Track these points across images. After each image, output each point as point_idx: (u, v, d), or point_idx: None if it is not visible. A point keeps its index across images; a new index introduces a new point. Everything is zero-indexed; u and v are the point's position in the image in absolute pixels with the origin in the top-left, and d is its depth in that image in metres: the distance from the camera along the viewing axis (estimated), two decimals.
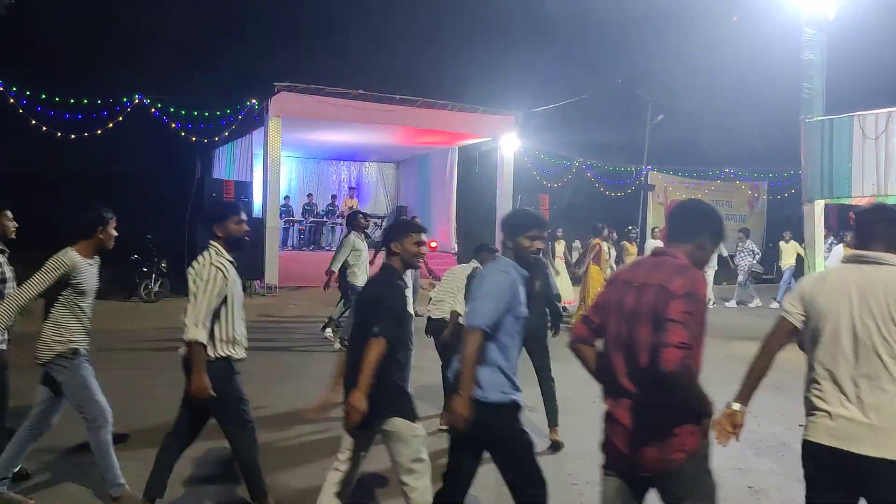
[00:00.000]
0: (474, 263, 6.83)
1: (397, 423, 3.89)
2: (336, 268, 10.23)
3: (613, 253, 14.52)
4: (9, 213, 5.10)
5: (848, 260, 3.19)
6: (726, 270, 17.72)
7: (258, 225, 16.54)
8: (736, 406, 3.20)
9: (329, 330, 11.03)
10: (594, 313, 3.23)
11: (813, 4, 12.14)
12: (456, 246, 21.17)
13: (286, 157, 20.46)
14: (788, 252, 17.27)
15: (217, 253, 4.32)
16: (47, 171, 18.91)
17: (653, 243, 15.81)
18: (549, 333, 6.58)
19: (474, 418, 3.45)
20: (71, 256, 4.51)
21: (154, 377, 8.07)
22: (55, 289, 4.50)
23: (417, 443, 3.91)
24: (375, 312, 3.86)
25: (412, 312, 4.18)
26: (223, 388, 4.26)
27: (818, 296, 3.14)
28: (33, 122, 15.06)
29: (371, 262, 10.55)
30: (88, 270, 4.62)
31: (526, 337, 5.41)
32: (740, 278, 17.27)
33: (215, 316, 4.23)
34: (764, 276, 20.59)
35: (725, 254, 16.72)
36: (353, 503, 4.22)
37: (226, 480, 5.22)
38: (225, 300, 4.26)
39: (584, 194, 24.86)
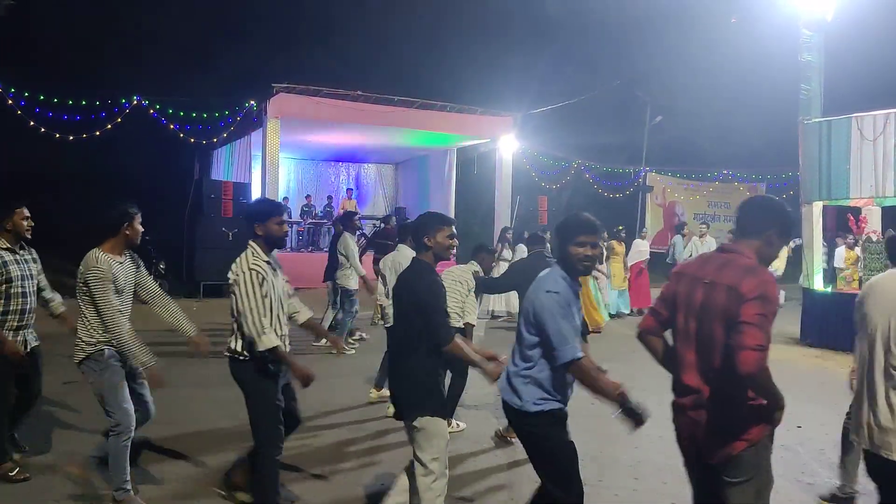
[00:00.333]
0: (474, 266, 6.78)
1: (424, 420, 3.88)
2: (362, 273, 10.18)
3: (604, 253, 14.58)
4: (24, 212, 5.08)
5: None
6: None
7: None
8: None
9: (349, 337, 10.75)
10: (661, 305, 3.32)
11: (811, 6, 12.16)
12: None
13: (285, 159, 20.46)
14: (780, 254, 17.04)
15: (253, 254, 4.30)
16: (46, 172, 18.87)
17: (640, 243, 15.83)
18: None
19: (516, 427, 3.61)
20: (103, 260, 4.52)
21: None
22: (86, 290, 4.51)
23: (440, 443, 3.89)
24: (429, 320, 3.86)
25: None
26: (257, 386, 4.29)
27: (865, 300, 3.39)
28: (32, 122, 15.06)
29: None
30: (118, 269, 4.60)
31: None
32: None
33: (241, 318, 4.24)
34: None
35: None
36: None
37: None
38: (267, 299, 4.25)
39: (583, 195, 24.88)
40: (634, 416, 3.36)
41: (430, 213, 4.25)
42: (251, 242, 4.37)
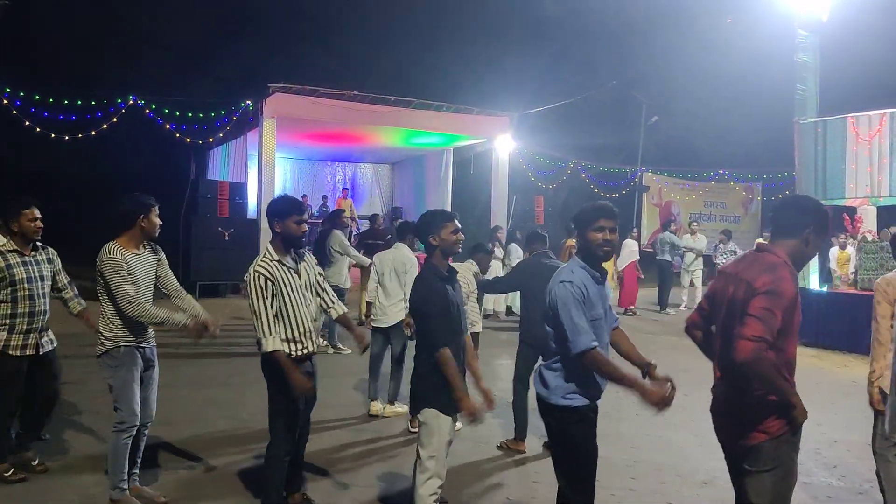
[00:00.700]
0: (473, 266, 6.76)
1: (428, 414, 3.89)
2: (367, 263, 10.15)
3: None
4: (31, 213, 5.03)
5: None
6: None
7: (252, 226, 16.53)
8: None
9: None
10: (706, 301, 3.49)
11: (807, 6, 12.19)
12: None
13: (281, 159, 20.44)
14: None
15: (265, 255, 4.30)
16: (41, 172, 18.86)
17: (631, 243, 15.86)
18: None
19: (543, 418, 3.61)
20: (119, 251, 4.49)
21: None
22: (102, 283, 4.50)
23: (439, 441, 3.88)
24: (425, 324, 3.91)
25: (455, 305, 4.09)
26: (273, 387, 4.32)
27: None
28: (27, 123, 15.02)
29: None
30: (134, 262, 4.56)
31: (542, 346, 5.40)
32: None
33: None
34: None
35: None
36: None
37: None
38: (277, 299, 4.24)
39: (579, 195, 24.86)
40: (660, 400, 3.37)
41: (430, 212, 4.23)
42: (268, 243, 4.40)
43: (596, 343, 3.39)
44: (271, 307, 4.20)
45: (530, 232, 6.73)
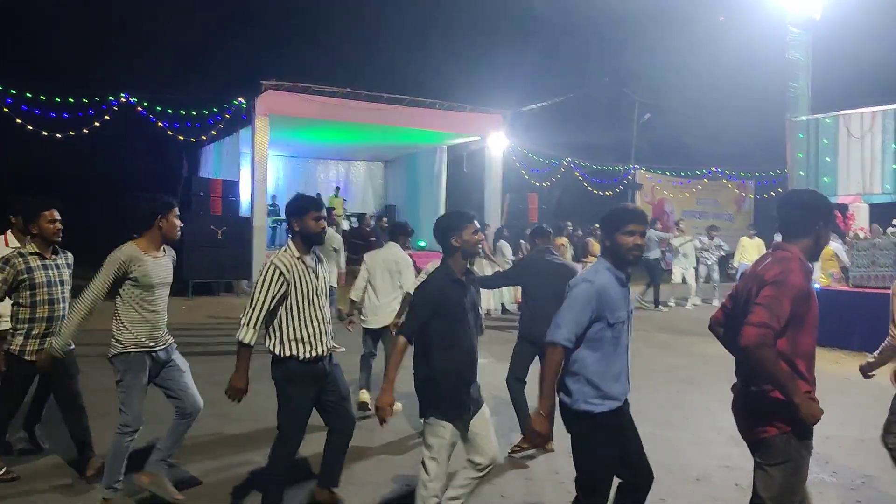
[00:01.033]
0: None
1: (429, 419, 3.91)
2: (343, 269, 10.20)
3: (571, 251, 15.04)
4: (50, 215, 4.94)
5: None
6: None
7: (245, 224, 16.50)
8: None
9: None
10: (728, 300, 3.59)
11: (799, 4, 12.22)
12: None
13: (273, 156, 20.39)
14: (749, 249, 16.56)
15: (285, 250, 4.27)
16: (33, 170, 18.79)
17: None
18: None
19: (566, 422, 3.56)
20: (126, 251, 4.42)
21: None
22: (115, 287, 4.44)
23: (439, 444, 3.87)
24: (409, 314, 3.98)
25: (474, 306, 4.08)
26: (283, 388, 4.28)
27: None
28: (18, 120, 14.96)
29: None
30: (152, 264, 4.49)
31: (536, 342, 5.35)
32: (713, 276, 17.10)
33: (278, 313, 4.22)
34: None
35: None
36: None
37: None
38: (288, 297, 4.20)
39: (573, 193, 24.95)
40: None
41: (450, 213, 4.23)
42: (288, 240, 4.37)
43: (569, 345, 3.38)
44: (267, 303, 4.15)
45: (535, 227, 6.64)
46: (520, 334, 6.06)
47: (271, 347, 4.27)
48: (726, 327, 3.57)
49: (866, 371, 4.78)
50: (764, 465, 3.25)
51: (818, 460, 5.79)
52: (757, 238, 16.84)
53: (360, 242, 13.72)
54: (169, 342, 4.70)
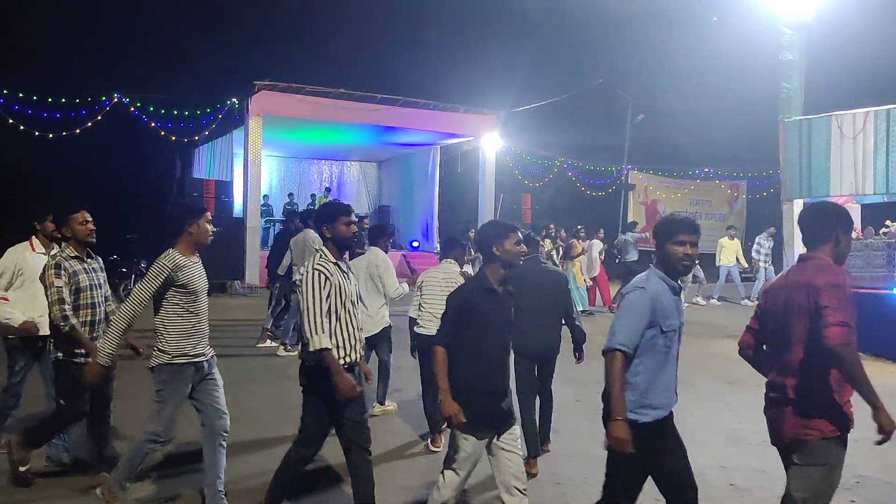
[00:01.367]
0: (454, 266, 6.51)
1: (454, 433, 3.89)
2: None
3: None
4: (81, 216, 4.86)
5: None
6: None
7: (239, 225, 16.46)
8: None
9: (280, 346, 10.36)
10: (753, 321, 3.67)
11: (791, 5, 12.26)
12: (438, 246, 21.18)
13: (267, 157, 20.37)
14: (729, 250, 16.72)
15: (321, 256, 4.23)
16: (25, 170, 18.70)
17: (597, 244, 15.93)
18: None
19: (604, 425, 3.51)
20: (172, 257, 4.39)
21: (137, 381, 7.98)
22: (160, 296, 4.40)
23: (459, 456, 3.85)
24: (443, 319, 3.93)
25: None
26: (311, 394, 4.25)
27: None
28: (11, 120, 14.89)
29: None
30: (193, 269, 4.47)
31: (538, 356, 5.28)
32: (698, 275, 17.09)
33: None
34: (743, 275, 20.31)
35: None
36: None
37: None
38: (330, 301, 4.16)
39: (566, 194, 24.96)
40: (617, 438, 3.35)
41: (493, 222, 4.27)
42: (321, 247, 4.33)
43: (627, 350, 3.35)
44: (325, 305, 4.10)
45: (525, 235, 6.52)
46: (514, 350, 5.88)
47: (303, 352, 4.21)
48: (756, 349, 3.68)
49: None
50: (802, 465, 3.32)
51: None
52: (736, 240, 16.91)
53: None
54: (211, 354, 4.64)
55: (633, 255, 16.06)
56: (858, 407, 4.33)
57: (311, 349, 4.04)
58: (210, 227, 4.58)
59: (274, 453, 5.82)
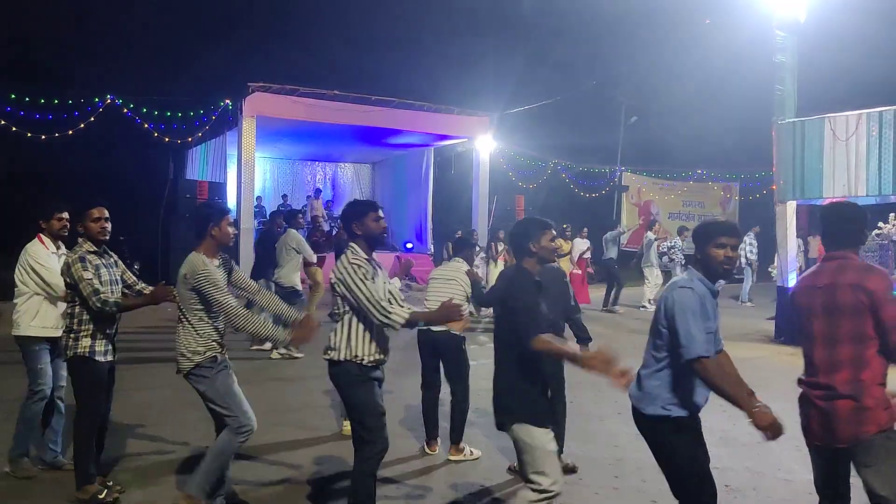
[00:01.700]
0: (463, 265, 6.44)
1: (517, 430, 3.76)
2: (314, 258, 10.19)
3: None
4: (95, 213, 4.85)
5: None
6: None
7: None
8: None
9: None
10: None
11: (784, 7, 12.28)
12: (432, 247, 21.18)
13: (260, 158, 20.31)
14: None
15: (353, 253, 4.21)
16: (17, 171, 18.63)
17: (581, 243, 15.97)
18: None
19: (639, 429, 3.56)
20: (202, 261, 4.45)
21: (130, 381, 7.95)
22: (189, 296, 4.45)
23: (540, 454, 3.71)
24: (510, 322, 3.79)
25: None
26: (351, 391, 4.19)
27: None
28: (2, 122, 14.83)
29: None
30: (218, 271, 4.54)
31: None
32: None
33: (348, 316, 4.17)
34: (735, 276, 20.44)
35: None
36: None
37: None
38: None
39: (560, 195, 24.99)
40: (769, 425, 3.27)
41: (529, 219, 4.21)
42: (351, 244, 4.30)
43: (710, 354, 3.32)
44: (374, 288, 4.07)
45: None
46: None
47: (332, 347, 4.18)
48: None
49: None
50: (872, 464, 3.33)
51: (805, 461, 5.80)
52: None
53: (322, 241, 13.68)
54: (225, 347, 4.68)
55: (611, 253, 16.10)
56: None
57: (398, 326, 4.03)
58: (231, 230, 4.65)
59: (266, 456, 5.82)
